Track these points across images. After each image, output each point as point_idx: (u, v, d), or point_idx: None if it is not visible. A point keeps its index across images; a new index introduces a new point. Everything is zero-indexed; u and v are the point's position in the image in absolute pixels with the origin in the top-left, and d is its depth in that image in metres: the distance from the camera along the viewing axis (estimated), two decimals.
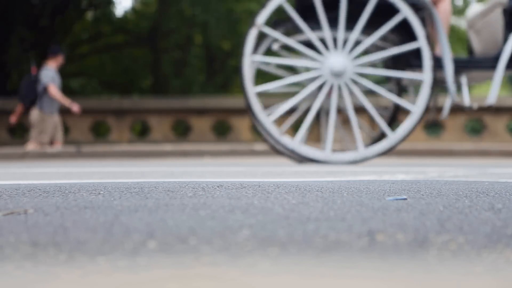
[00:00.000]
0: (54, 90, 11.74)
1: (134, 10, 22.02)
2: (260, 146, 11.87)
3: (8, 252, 1.50)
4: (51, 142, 11.95)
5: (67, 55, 20.02)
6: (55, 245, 1.55)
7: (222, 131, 15.15)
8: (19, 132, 15.25)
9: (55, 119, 11.92)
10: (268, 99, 12.65)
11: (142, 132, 16.73)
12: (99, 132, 16.19)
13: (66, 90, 21.75)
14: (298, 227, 1.71)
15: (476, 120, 14.91)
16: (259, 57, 6.62)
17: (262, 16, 6.46)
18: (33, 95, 11.77)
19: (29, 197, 2.39)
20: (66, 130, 14.57)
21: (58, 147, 11.86)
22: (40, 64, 12.64)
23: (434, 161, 8.91)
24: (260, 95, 8.74)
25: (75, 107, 11.92)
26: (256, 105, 6.37)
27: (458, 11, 19.34)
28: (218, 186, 2.67)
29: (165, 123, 14.57)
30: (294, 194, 2.40)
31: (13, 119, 12.34)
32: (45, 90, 11.67)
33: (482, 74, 6.99)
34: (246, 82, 6.41)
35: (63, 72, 20.73)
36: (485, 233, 1.66)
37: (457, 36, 19.46)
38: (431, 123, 15.11)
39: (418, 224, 1.75)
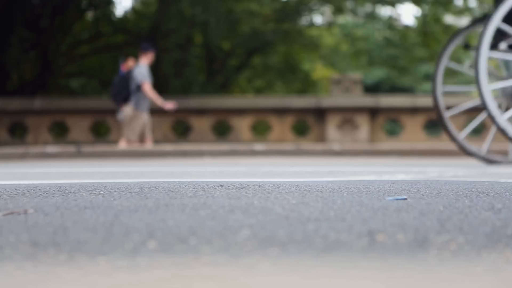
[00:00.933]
0: (149, 88, 11.71)
1: (134, 10, 22.01)
2: (260, 146, 11.88)
3: (8, 252, 1.50)
4: (141, 140, 11.92)
5: (69, 56, 20.05)
6: (55, 245, 1.55)
7: (222, 131, 15.16)
8: (19, 132, 15.25)
9: (146, 117, 11.90)
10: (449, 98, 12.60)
11: None
12: (99, 132, 16.19)
13: (66, 90, 21.76)
14: (298, 227, 1.71)
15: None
16: (498, 53, 6.29)
17: (500, 13, 5.91)
18: (126, 92, 11.73)
19: (29, 197, 2.39)
20: (66, 130, 14.57)
21: (149, 145, 11.83)
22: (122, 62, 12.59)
23: (434, 161, 8.91)
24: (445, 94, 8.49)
25: (168, 105, 11.91)
26: (491, 103, 6.15)
27: (459, 11, 19.33)
28: (218, 186, 2.67)
29: (165, 123, 14.57)
30: (294, 194, 2.40)
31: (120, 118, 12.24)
32: (139, 87, 11.63)
33: None
34: (482, 78, 6.13)
35: (63, 72, 20.74)
36: (485, 233, 1.66)
37: None
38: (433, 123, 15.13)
39: (418, 224, 1.75)
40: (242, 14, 18.97)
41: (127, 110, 11.75)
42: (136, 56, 12.61)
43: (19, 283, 1.27)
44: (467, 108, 6.22)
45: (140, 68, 11.71)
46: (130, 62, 12.25)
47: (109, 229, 1.69)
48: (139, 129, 11.79)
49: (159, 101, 11.91)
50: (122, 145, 11.81)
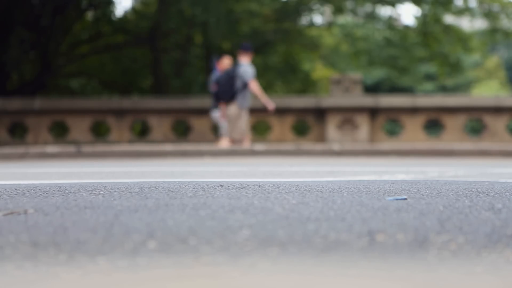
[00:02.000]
0: (255, 86, 11.69)
1: (134, 10, 22.00)
2: (260, 146, 11.88)
3: (8, 252, 1.50)
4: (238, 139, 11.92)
5: (69, 56, 20.04)
6: (55, 245, 1.55)
7: None
8: (19, 132, 15.25)
9: (248, 115, 11.89)
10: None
11: (142, 132, 16.73)
12: (99, 132, 16.19)
13: (66, 90, 21.76)
14: (298, 227, 1.71)
15: (476, 120, 14.92)
16: None
17: None
18: (232, 90, 11.70)
19: (29, 197, 2.38)
20: (66, 130, 14.57)
21: (247, 144, 11.81)
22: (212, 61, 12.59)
23: (434, 161, 8.91)
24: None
25: (270, 105, 11.91)
26: None
27: (459, 11, 19.32)
28: (218, 186, 2.67)
29: (165, 123, 14.57)
30: (294, 194, 2.40)
31: (222, 116, 12.20)
32: (245, 85, 11.61)
33: None
34: None
35: (63, 72, 20.74)
36: (485, 233, 1.66)
37: (457, 36, 19.44)
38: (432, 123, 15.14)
39: (418, 224, 1.75)
40: (242, 14, 18.96)
41: (232, 109, 11.75)
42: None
43: (19, 283, 1.27)
44: None
45: (245, 67, 11.71)
46: (226, 60, 12.29)
47: (109, 229, 1.69)
48: (243, 127, 11.80)
49: (264, 99, 11.91)
50: (224, 144, 11.76)
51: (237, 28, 19.26)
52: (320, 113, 14.39)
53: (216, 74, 12.36)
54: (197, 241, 1.57)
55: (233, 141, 11.82)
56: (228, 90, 11.98)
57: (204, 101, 15.01)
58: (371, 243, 1.56)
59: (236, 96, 11.89)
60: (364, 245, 1.55)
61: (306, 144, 13.00)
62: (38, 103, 14.41)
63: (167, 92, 19.29)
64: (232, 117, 11.96)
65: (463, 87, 35.34)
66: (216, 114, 12.27)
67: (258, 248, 1.52)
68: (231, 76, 12.01)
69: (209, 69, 12.87)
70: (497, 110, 13.92)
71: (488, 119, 14.09)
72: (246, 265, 1.39)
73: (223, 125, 12.16)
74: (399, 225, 1.74)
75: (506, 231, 1.68)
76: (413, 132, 14.28)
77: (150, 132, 14.76)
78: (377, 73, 30.09)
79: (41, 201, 2.27)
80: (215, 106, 12.28)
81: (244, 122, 12.04)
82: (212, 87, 12.27)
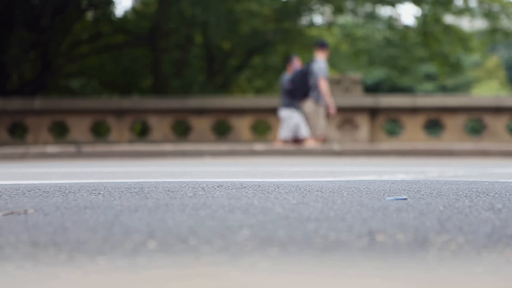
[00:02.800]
0: (324, 84, 11.67)
1: (134, 10, 22.00)
2: (260, 146, 11.88)
3: (8, 252, 1.50)
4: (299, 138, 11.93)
5: (69, 56, 20.03)
6: (55, 245, 1.55)
7: (222, 131, 15.15)
8: (19, 132, 15.25)
9: (324, 112, 11.87)
10: None
11: (142, 132, 16.72)
12: (99, 132, 16.18)
13: (66, 90, 21.75)
14: (298, 227, 1.71)
15: (476, 120, 14.92)
16: None
17: None
18: (306, 88, 11.69)
19: (29, 197, 2.38)
20: (66, 130, 14.57)
21: (313, 142, 11.81)
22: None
23: (434, 161, 8.91)
24: None
25: (332, 109, 11.88)
26: None
27: (459, 11, 19.31)
28: (218, 186, 2.67)
29: (165, 123, 14.57)
30: (294, 194, 2.40)
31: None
32: (316, 83, 11.61)
33: None
34: None
35: (63, 72, 20.74)
36: (485, 233, 1.66)
37: (457, 36, 19.43)
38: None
39: (418, 224, 1.75)
40: (242, 14, 18.95)
41: (307, 106, 11.73)
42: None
43: (19, 283, 1.27)
44: None
45: (319, 64, 11.70)
46: (296, 61, 12.34)
47: (109, 229, 1.69)
48: (323, 123, 11.79)
49: (329, 100, 11.89)
50: (310, 143, 11.74)
51: (237, 28, 19.26)
52: None
53: (286, 75, 12.35)
54: (197, 241, 1.57)
55: (318, 139, 11.78)
56: (302, 87, 11.91)
57: (204, 101, 15.01)
58: (371, 243, 1.56)
59: (311, 93, 11.83)
60: (364, 245, 1.55)
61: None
62: (38, 103, 14.41)
63: (167, 92, 19.28)
64: (309, 115, 11.91)
65: (463, 87, 35.32)
66: (285, 114, 12.22)
67: (258, 248, 1.52)
68: (305, 72, 11.99)
69: (284, 68, 12.87)
70: (497, 110, 13.92)
71: (488, 119, 14.09)
72: (246, 265, 1.39)
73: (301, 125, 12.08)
74: (399, 225, 1.74)
75: (506, 231, 1.68)
76: (413, 132, 14.28)
77: (150, 132, 14.76)
78: (377, 73, 30.08)
79: (41, 201, 2.27)
80: (285, 105, 12.24)
81: (322, 118, 11.96)
82: (286, 86, 12.24)
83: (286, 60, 13.00)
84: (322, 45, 12.21)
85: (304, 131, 11.81)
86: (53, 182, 3.38)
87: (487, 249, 1.53)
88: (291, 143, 11.89)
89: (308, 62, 12.31)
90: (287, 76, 12.37)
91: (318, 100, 11.85)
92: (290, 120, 11.93)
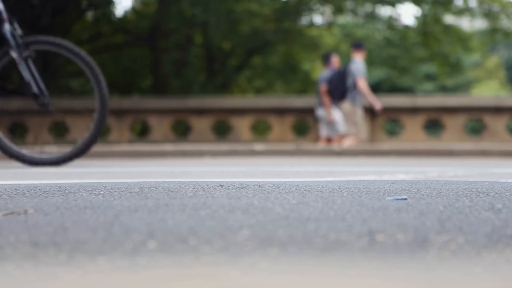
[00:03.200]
0: (364, 84, 11.70)
1: (134, 10, 22.01)
2: (260, 146, 11.88)
3: (8, 252, 1.50)
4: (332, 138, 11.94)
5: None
6: (55, 245, 1.55)
7: (222, 131, 15.16)
8: (19, 132, 15.24)
9: (361, 113, 11.89)
10: None
11: (142, 132, 16.73)
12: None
13: (66, 90, 21.74)
14: (298, 227, 1.71)
15: (476, 120, 14.92)
16: None
17: None
18: (343, 88, 11.73)
19: (29, 197, 2.39)
20: (66, 130, 14.57)
21: (350, 142, 11.83)
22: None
23: (434, 161, 8.91)
24: None
25: (378, 105, 11.91)
26: None
27: (459, 11, 19.32)
28: (218, 186, 2.67)
29: (165, 123, 14.57)
30: (294, 194, 2.40)
31: (328, 117, 12.16)
32: (355, 83, 11.63)
33: None
34: None
35: (63, 72, 20.74)
36: (485, 233, 1.66)
37: (457, 36, 19.44)
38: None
39: (418, 224, 1.75)
40: (242, 14, 18.96)
41: (345, 107, 11.76)
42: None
43: (19, 283, 1.27)
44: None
45: (357, 64, 11.74)
46: (335, 58, 12.37)
47: (109, 229, 1.69)
48: (360, 123, 11.82)
49: (371, 98, 11.91)
50: (348, 142, 11.75)
51: (237, 28, 19.26)
52: None
53: (325, 73, 12.37)
54: (197, 241, 1.57)
55: (358, 139, 11.81)
56: (339, 88, 11.96)
57: (204, 101, 15.01)
58: (371, 243, 1.56)
59: (348, 94, 11.88)
60: (364, 245, 1.55)
61: (306, 144, 13.01)
62: None
63: (167, 92, 19.27)
64: (346, 115, 11.95)
65: (463, 87, 35.33)
66: (322, 112, 12.22)
67: (258, 248, 1.52)
68: (342, 73, 12.04)
69: (324, 66, 12.89)
70: (497, 110, 13.92)
71: (488, 119, 14.08)
72: (246, 265, 1.39)
73: (337, 124, 12.12)
74: (399, 225, 1.74)
75: (506, 231, 1.68)
76: (413, 132, 14.28)
77: (150, 132, 14.75)
78: (377, 73, 30.09)
79: (41, 201, 2.27)
80: (322, 104, 12.25)
81: (360, 118, 12.01)
82: (323, 86, 12.26)
83: (325, 58, 13.02)
84: (358, 45, 12.28)
85: (342, 128, 11.91)
86: (53, 182, 3.38)
87: (487, 249, 1.53)
88: (332, 141, 11.96)
89: (346, 63, 12.36)
90: (325, 74, 12.38)
91: (354, 101, 11.92)
92: (333, 118, 12.06)
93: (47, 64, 18.15)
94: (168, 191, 2.51)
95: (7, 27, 6.11)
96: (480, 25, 23.09)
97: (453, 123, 14.06)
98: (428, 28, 19.19)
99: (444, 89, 32.94)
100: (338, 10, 19.70)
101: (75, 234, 1.64)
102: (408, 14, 57.09)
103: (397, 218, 1.85)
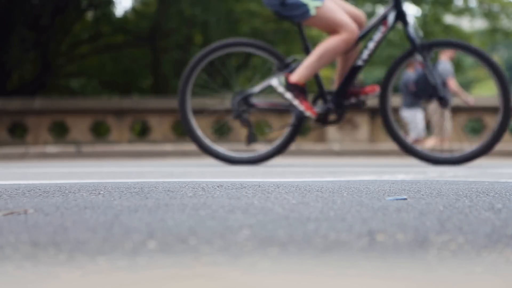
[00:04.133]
0: (453, 83, 11.71)
1: (134, 10, 22.01)
2: (259, 146, 11.87)
3: (8, 252, 1.50)
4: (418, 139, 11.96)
5: (69, 56, 20.01)
6: (55, 245, 1.55)
7: (222, 131, 15.15)
8: (19, 132, 15.25)
9: (449, 113, 11.94)
10: None
11: (142, 132, 16.73)
12: (99, 132, 16.19)
13: (66, 90, 21.74)
14: (298, 227, 1.71)
15: (476, 120, 14.91)
16: None
17: None
18: (430, 89, 11.74)
19: (29, 197, 2.39)
20: (66, 130, 14.57)
21: (433, 142, 11.83)
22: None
23: None
24: None
25: (471, 101, 11.95)
26: None
27: (459, 11, 19.33)
28: (218, 186, 2.67)
29: (165, 123, 14.57)
30: (294, 194, 2.40)
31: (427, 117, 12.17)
32: (444, 83, 11.64)
33: None
34: None
35: (63, 72, 20.74)
36: (485, 233, 1.66)
37: (457, 36, 19.46)
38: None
39: (418, 224, 1.75)
40: (242, 14, 18.96)
41: (432, 108, 11.77)
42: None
43: (19, 283, 1.27)
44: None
45: (445, 64, 11.75)
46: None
47: (109, 229, 1.69)
48: (447, 125, 11.86)
49: (463, 95, 11.94)
50: (431, 142, 11.75)
51: (237, 28, 19.27)
52: None
53: (410, 74, 12.37)
54: (197, 241, 1.57)
55: (443, 140, 11.85)
56: (426, 89, 12.00)
57: (204, 101, 15.00)
58: (371, 243, 1.56)
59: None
60: (364, 245, 1.55)
61: (306, 144, 13.00)
62: (38, 103, 14.40)
63: (167, 92, 19.27)
64: (433, 116, 11.97)
65: (463, 87, 35.27)
66: (408, 114, 12.24)
67: (258, 248, 1.52)
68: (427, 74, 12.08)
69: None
70: (497, 110, 13.92)
71: (488, 119, 14.08)
72: (246, 265, 1.39)
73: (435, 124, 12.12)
74: (399, 225, 1.74)
75: (506, 231, 1.68)
76: None
77: (150, 132, 14.75)
78: (377, 73, 30.07)
79: (41, 201, 2.27)
80: (407, 105, 12.26)
81: (446, 120, 12.06)
82: (411, 86, 12.27)
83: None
84: None
85: (422, 131, 11.97)
86: (53, 182, 3.38)
87: (487, 249, 1.53)
88: (419, 142, 12.00)
89: (432, 64, 12.43)
90: (410, 75, 12.37)
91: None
92: (415, 120, 12.08)
93: (47, 64, 18.14)
94: (168, 191, 2.51)
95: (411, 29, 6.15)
96: (480, 25, 23.09)
97: (453, 123, 14.06)
98: (428, 28, 19.20)
99: None
100: None
101: (75, 234, 1.64)
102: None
103: (397, 218, 1.85)
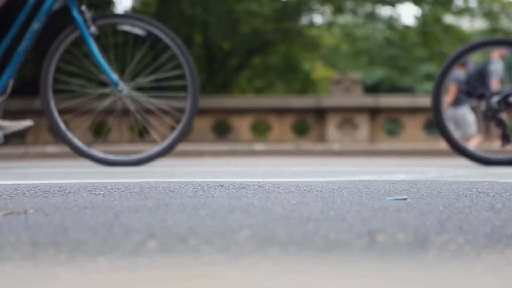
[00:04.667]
0: (497, 84, 11.68)
1: (134, 10, 22.02)
2: (260, 146, 11.88)
3: (8, 252, 1.50)
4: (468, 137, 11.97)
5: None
6: (55, 245, 1.55)
7: (222, 131, 15.16)
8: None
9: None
10: None
11: (142, 133, 16.72)
12: (99, 132, 16.19)
13: (66, 90, 21.72)
14: (298, 227, 1.71)
15: (476, 120, 14.92)
16: None
17: None
18: (481, 88, 11.72)
19: (29, 197, 2.39)
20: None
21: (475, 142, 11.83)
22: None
23: (434, 161, 8.91)
24: None
25: None
26: None
27: (459, 11, 19.32)
28: (218, 186, 2.67)
29: (165, 123, 14.58)
30: (294, 194, 2.40)
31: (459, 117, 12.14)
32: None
33: None
34: None
35: (63, 72, 20.71)
36: (485, 233, 1.66)
37: (457, 36, 19.44)
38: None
39: (418, 224, 1.75)
40: (242, 14, 18.97)
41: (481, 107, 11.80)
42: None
43: (19, 283, 1.27)
44: None
45: (496, 64, 11.72)
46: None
47: (109, 229, 1.69)
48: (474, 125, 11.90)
49: None
50: (474, 143, 11.75)
51: (237, 28, 19.27)
52: (320, 113, 14.38)
53: (459, 73, 12.34)
54: (197, 241, 1.57)
55: (478, 139, 11.86)
56: (478, 88, 11.99)
57: (204, 101, 14.99)
58: (371, 243, 1.56)
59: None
60: (364, 245, 1.55)
61: (306, 144, 13.01)
62: (38, 103, 14.40)
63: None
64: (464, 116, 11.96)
65: None
66: (459, 111, 12.24)
67: (258, 248, 1.52)
68: (481, 73, 12.08)
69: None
70: None
71: None
72: (246, 265, 1.39)
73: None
74: (399, 225, 1.74)
75: (506, 231, 1.68)
76: (413, 132, 14.27)
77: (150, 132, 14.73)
78: (377, 73, 30.09)
79: (41, 201, 2.27)
80: (456, 103, 12.25)
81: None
82: (461, 86, 12.25)
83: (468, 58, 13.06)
84: None
85: (473, 130, 11.99)
86: (53, 182, 3.38)
87: (487, 249, 1.53)
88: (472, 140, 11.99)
89: (484, 63, 12.38)
90: (459, 75, 12.34)
91: None
92: (466, 119, 12.10)
93: None
94: (168, 191, 2.51)
95: None
96: (480, 25, 23.10)
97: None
98: (428, 28, 19.20)
99: None
100: (338, 10, 19.71)
101: (75, 234, 1.64)
102: (408, 14, 57.12)
103: (397, 218, 1.85)
